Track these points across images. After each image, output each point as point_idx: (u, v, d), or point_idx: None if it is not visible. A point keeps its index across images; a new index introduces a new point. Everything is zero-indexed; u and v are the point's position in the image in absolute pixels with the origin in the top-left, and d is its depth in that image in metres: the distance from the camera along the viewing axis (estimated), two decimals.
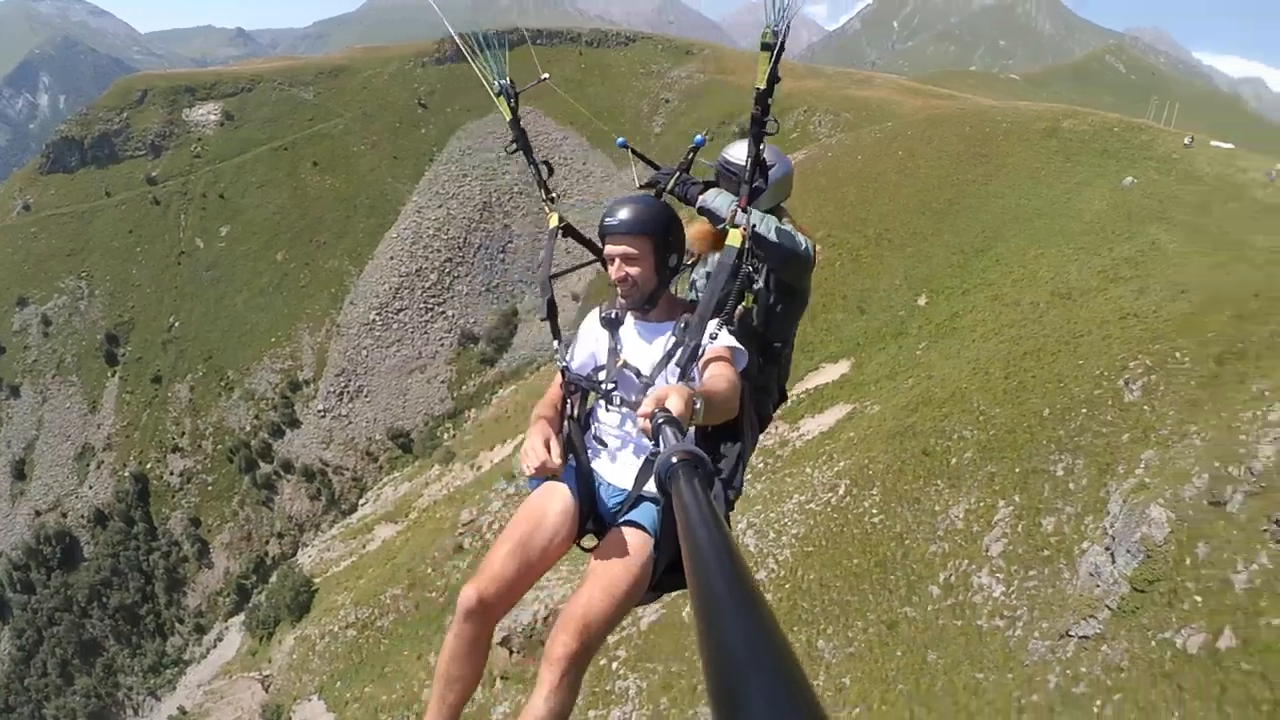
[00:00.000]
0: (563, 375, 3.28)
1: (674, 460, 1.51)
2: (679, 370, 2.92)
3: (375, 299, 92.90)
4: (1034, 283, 31.87)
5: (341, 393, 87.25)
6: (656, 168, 3.82)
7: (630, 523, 2.86)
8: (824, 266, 43.53)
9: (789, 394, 3.31)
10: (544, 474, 2.81)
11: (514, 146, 3.73)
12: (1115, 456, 18.15)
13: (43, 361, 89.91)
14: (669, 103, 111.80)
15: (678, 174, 3.61)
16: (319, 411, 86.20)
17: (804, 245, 3.40)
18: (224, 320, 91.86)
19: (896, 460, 24.89)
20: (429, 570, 47.25)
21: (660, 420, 2.08)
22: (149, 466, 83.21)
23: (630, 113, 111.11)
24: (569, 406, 3.27)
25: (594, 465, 3.16)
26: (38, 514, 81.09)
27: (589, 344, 3.39)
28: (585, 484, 3.09)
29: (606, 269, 3.26)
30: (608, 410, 3.17)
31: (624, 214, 3.15)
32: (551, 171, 3.74)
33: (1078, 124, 45.91)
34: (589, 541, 3.10)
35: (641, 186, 3.73)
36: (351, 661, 46.70)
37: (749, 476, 30.28)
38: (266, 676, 54.59)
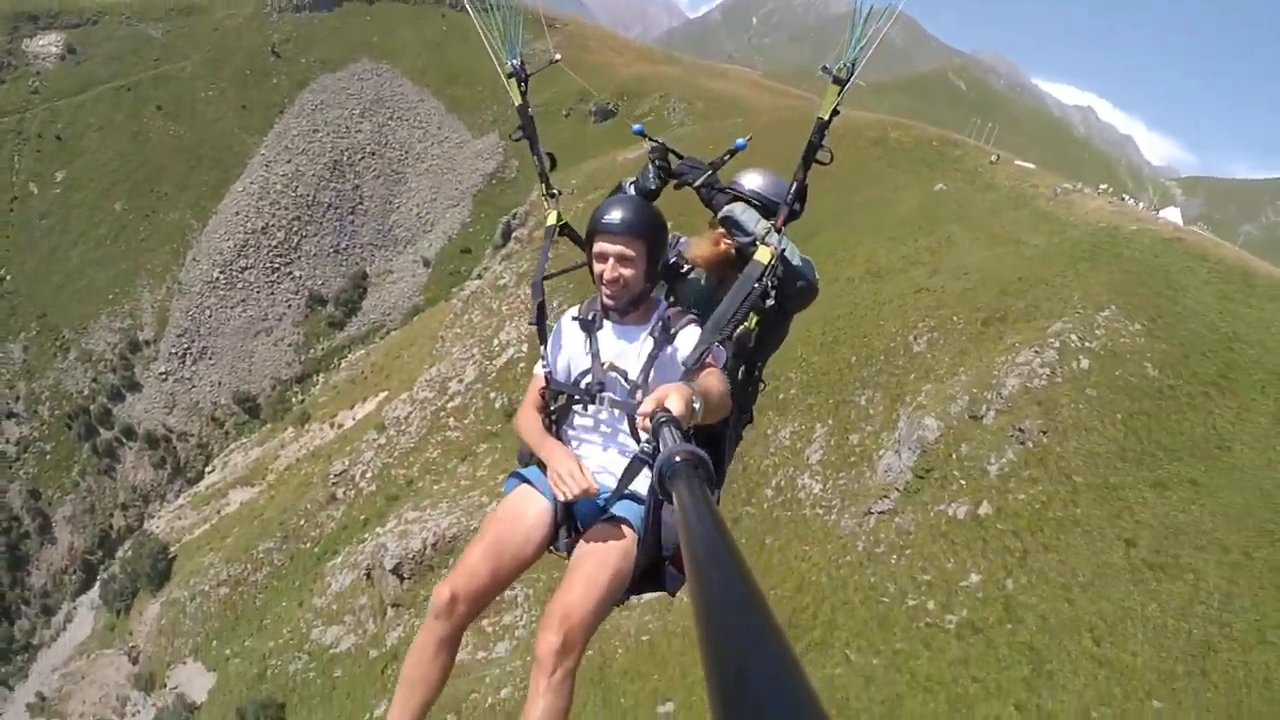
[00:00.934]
0: (547, 381, 3.24)
1: (676, 459, 1.54)
2: (684, 370, 2.91)
3: (219, 256, 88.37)
4: (851, 264, 38.15)
5: (184, 354, 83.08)
6: (681, 157, 3.82)
7: (613, 517, 2.85)
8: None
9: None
10: (586, 498, 2.82)
11: (519, 134, 3.65)
12: (904, 390, 24.11)
13: None
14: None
15: (709, 172, 3.68)
16: (160, 374, 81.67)
17: (817, 277, 3.50)
18: (58, 274, 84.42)
19: None
20: (301, 522, 48.34)
21: (661, 420, 2.10)
22: None
23: (488, 80, 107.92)
24: (550, 411, 3.26)
25: None
26: None
27: (565, 348, 3.30)
28: None
29: (592, 269, 3.20)
30: (588, 413, 3.16)
31: (622, 213, 3.08)
32: (555, 164, 3.68)
33: (903, 136, 53.41)
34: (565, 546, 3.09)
35: (664, 174, 3.69)
36: (227, 619, 47.45)
37: None
38: (133, 648, 53.69)
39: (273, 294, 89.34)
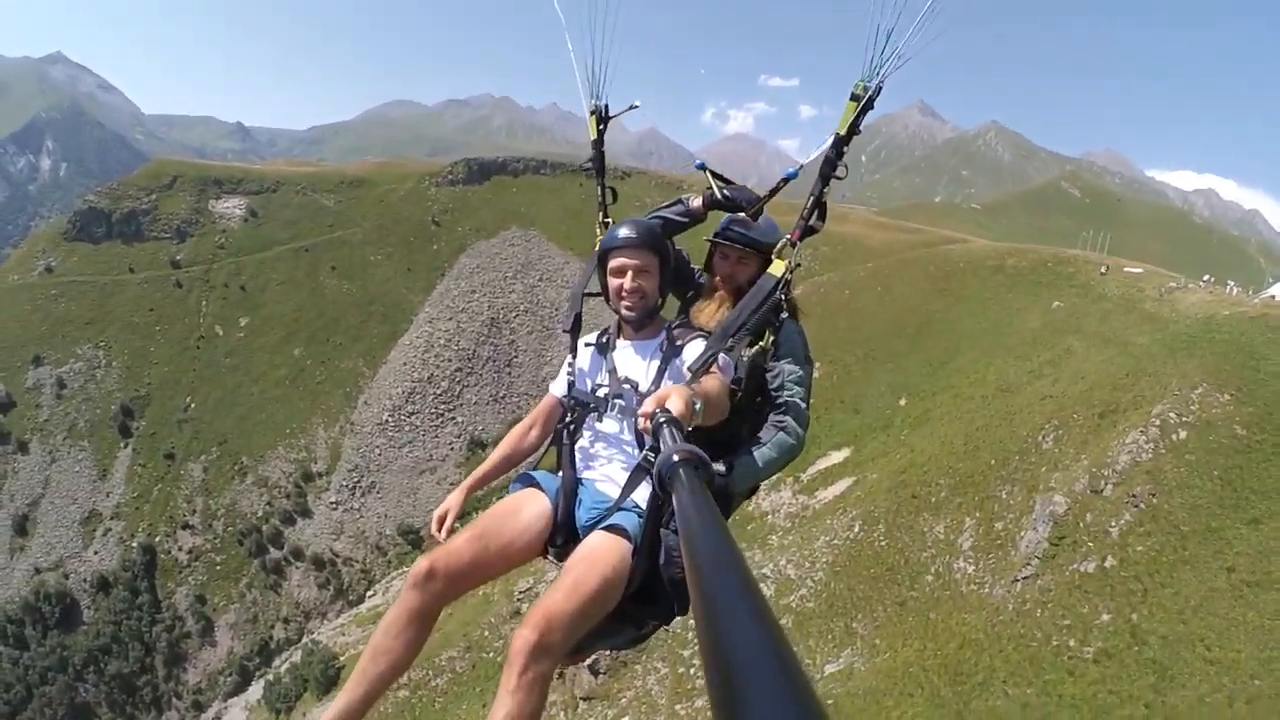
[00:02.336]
0: (569, 389, 3.52)
1: (675, 459, 1.58)
2: (690, 375, 3.11)
3: (388, 400, 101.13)
4: (984, 383, 43.99)
5: (354, 487, 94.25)
6: (731, 184, 3.93)
7: (609, 527, 2.93)
8: (825, 378, 56.02)
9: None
10: (444, 535, 3.13)
11: (589, 165, 4.16)
12: (1037, 480, 29.56)
13: (54, 422, 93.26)
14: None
15: (761, 201, 3.81)
16: (331, 503, 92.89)
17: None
18: (240, 407, 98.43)
19: (894, 504, 35.87)
20: (485, 634, 53.35)
21: (661, 420, 2.17)
22: (158, 540, 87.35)
23: None
24: (566, 421, 3.50)
25: (583, 477, 3.33)
26: (38, 571, 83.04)
27: (584, 367, 3.59)
28: (568, 498, 3.23)
29: (606, 289, 3.48)
30: (603, 425, 3.38)
31: (635, 230, 3.39)
32: (616, 198, 4.07)
33: (1019, 261, 59.82)
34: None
35: (719, 201, 3.78)
36: None
37: (786, 526, 40.78)
38: None
39: (437, 437, 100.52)
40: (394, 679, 2.86)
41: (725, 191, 3.79)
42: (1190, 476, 25.15)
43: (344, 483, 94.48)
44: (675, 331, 3.46)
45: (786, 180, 3.73)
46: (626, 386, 3.34)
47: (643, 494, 2.94)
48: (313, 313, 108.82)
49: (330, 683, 62.07)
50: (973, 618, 27.04)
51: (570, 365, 3.58)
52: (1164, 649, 21.11)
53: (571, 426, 3.48)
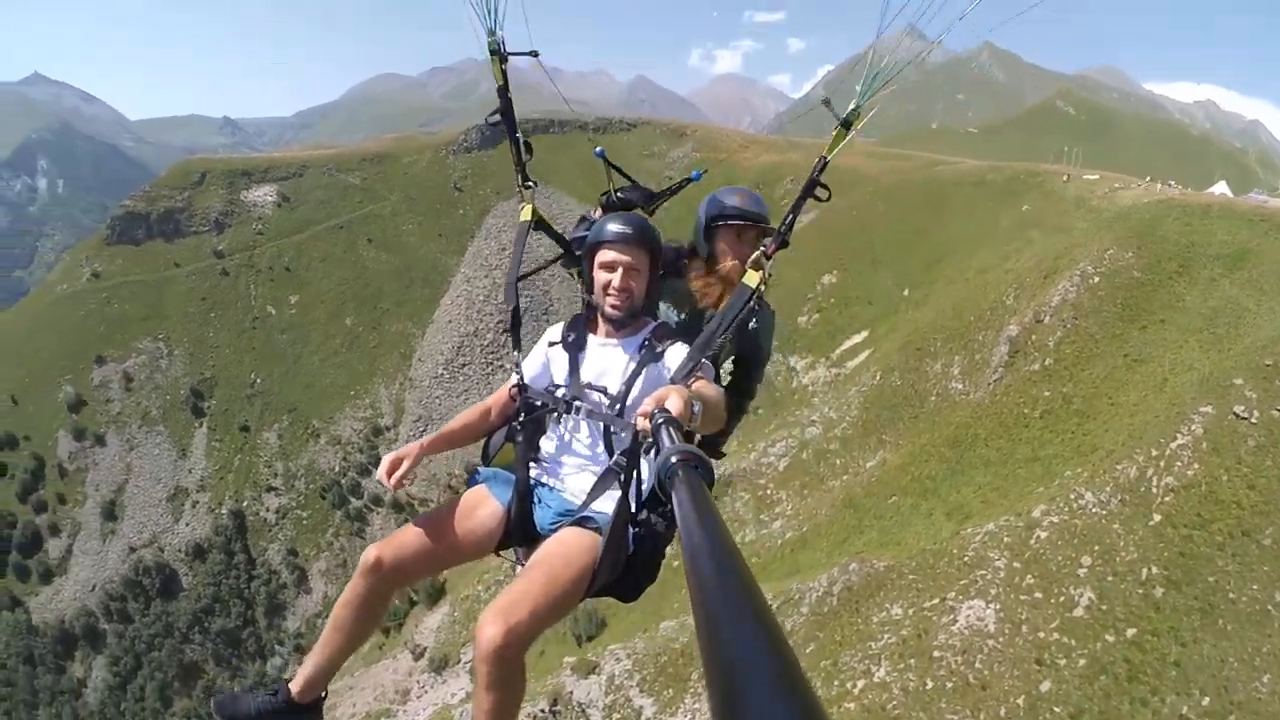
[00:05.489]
0: (520, 391, 3.49)
1: (674, 460, 1.61)
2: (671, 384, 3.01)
3: (440, 356, 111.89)
4: (967, 269, 58.05)
5: (420, 435, 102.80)
6: (633, 181, 4.21)
7: (580, 520, 3.00)
8: (843, 282, 70.57)
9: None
10: (393, 484, 3.04)
11: (495, 117, 3.82)
12: (1002, 324, 43.01)
13: (127, 413, 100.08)
14: (672, 180, 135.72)
15: (656, 200, 4.12)
16: None
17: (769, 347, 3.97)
18: (304, 376, 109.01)
19: (904, 358, 49.58)
20: None
21: (660, 421, 2.21)
22: (245, 504, 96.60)
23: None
24: (518, 419, 3.49)
25: (543, 481, 3.34)
26: (132, 549, 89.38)
27: (545, 365, 3.60)
28: (522, 500, 3.25)
29: (590, 281, 3.47)
30: (564, 428, 3.39)
31: (628, 225, 3.36)
32: (530, 153, 3.89)
33: (997, 175, 73.54)
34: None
35: (623, 200, 4.05)
36: None
37: (824, 391, 55.20)
38: (417, 647, 62.44)
39: (489, 384, 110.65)
40: (353, 649, 3.15)
41: (618, 193, 4.11)
42: (1101, 305, 38.83)
43: (410, 433, 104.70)
44: (655, 335, 3.44)
45: (688, 181, 4.32)
46: (593, 391, 3.34)
47: (607, 502, 3.00)
48: (357, 284, 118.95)
49: (438, 593, 69.16)
50: (963, 411, 41.22)
51: (517, 366, 3.59)
52: (1084, 404, 34.93)
53: (526, 424, 3.49)
